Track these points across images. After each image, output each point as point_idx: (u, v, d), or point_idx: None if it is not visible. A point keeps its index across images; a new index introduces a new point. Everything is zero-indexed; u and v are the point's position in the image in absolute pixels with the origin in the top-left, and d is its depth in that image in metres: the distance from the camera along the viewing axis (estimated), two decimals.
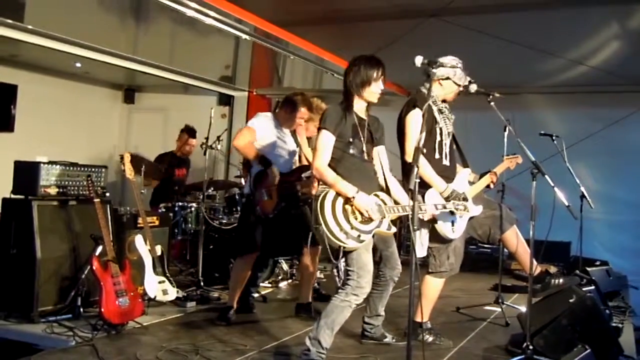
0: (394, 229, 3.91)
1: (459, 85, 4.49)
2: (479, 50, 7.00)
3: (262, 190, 4.90)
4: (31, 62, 7.78)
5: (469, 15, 6.57)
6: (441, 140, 4.43)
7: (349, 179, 3.74)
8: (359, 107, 3.95)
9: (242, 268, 5.15)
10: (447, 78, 4.44)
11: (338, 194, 3.70)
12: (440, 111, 4.46)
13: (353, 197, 3.66)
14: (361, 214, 3.70)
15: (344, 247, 3.65)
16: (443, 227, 4.33)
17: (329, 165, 3.78)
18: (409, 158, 4.30)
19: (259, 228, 5.01)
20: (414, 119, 4.32)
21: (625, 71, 7.47)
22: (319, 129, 3.85)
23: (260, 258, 5.30)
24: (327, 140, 3.78)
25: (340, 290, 3.77)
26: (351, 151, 3.85)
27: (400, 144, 4.46)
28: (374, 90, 3.88)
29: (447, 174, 4.40)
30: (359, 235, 3.67)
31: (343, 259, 3.75)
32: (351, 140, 3.85)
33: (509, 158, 4.90)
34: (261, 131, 4.99)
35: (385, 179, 4.04)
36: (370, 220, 3.73)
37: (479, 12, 6.58)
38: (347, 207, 3.70)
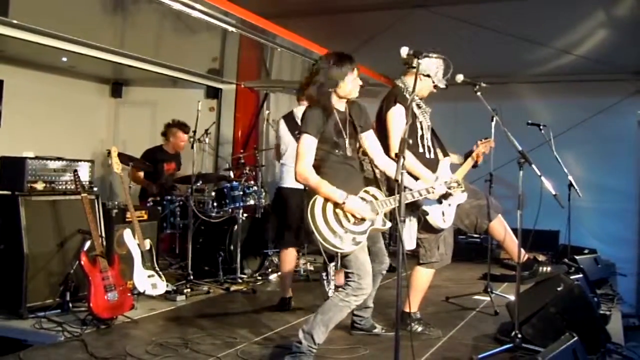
0: (389, 224, 3.80)
1: (436, 87, 4.48)
2: (466, 40, 7.00)
3: None
4: (16, 57, 7.68)
5: (455, 6, 6.57)
6: (422, 134, 4.43)
7: (336, 179, 3.62)
8: (338, 102, 3.82)
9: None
10: (428, 75, 4.41)
11: (327, 199, 3.60)
12: (419, 105, 4.46)
13: (343, 203, 3.56)
14: (354, 216, 3.61)
15: (341, 252, 3.60)
16: (434, 217, 4.33)
17: (314, 167, 3.66)
18: (393, 152, 4.21)
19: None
20: (397, 115, 4.30)
21: (612, 59, 7.50)
22: (299, 133, 3.74)
23: None
24: (309, 145, 3.65)
25: (340, 290, 3.71)
26: (336, 151, 3.75)
27: (381, 140, 4.41)
28: (352, 85, 3.77)
29: (431, 167, 4.39)
30: (354, 239, 3.58)
31: (332, 264, 3.71)
32: (335, 140, 3.74)
33: (482, 143, 4.92)
34: None
35: (375, 168, 3.96)
36: (363, 220, 3.65)
37: (464, 2, 6.58)
38: (338, 210, 3.59)
